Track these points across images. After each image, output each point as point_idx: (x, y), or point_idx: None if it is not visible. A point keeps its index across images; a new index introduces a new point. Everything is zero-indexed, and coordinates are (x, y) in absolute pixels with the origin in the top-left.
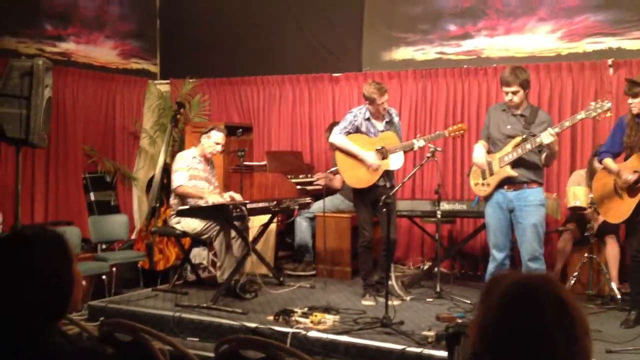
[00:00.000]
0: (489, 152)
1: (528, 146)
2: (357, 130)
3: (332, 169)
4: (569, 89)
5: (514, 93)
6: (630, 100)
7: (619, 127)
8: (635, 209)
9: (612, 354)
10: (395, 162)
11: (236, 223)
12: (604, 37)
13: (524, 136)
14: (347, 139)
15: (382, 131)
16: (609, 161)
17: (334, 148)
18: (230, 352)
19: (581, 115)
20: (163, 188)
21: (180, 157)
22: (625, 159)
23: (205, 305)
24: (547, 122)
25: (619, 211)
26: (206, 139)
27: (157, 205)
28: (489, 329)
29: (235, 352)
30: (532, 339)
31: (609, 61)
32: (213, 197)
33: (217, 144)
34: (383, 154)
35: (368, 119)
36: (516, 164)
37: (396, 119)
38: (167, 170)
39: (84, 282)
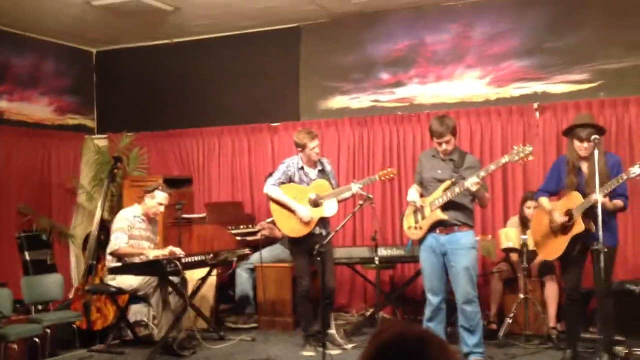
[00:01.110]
0: (421, 196)
1: (457, 189)
2: (291, 180)
3: (269, 219)
4: (499, 132)
5: (447, 142)
6: (586, 145)
7: (556, 166)
8: (568, 246)
9: None
10: (330, 208)
11: (172, 278)
12: (529, 82)
13: (453, 180)
14: (281, 190)
15: (315, 179)
16: (544, 200)
17: (269, 199)
18: None
19: (505, 159)
20: (100, 245)
21: (121, 216)
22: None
23: None
24: (475, 167)
25: (552, 248)
26: (150, 199)
27: (94, 262)
28: None
29: None
30: None
31: (535, 105)
32: (153, 252)
33: (160, 204)
34: (316, 201)
35: (301, 168)
36: (447, 207)
37: (328, 167)
38: (104, 226)
39: (15, 346)
